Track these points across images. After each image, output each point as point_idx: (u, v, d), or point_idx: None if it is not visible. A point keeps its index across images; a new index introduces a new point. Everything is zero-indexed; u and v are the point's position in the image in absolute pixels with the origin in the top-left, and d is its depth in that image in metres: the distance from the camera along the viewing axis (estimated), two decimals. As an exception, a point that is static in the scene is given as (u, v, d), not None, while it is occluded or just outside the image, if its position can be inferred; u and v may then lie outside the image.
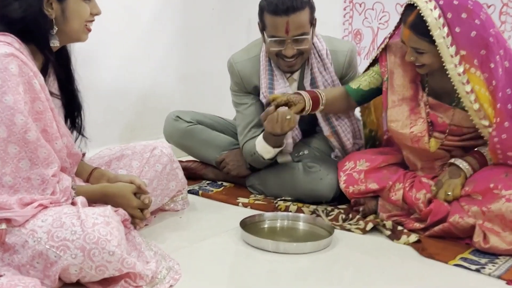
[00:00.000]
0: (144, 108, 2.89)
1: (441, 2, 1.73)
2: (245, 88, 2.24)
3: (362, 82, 2.06)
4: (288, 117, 1.90)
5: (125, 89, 2.78)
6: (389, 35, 1.98)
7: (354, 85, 2.08)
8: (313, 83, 2.17)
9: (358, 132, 2.26)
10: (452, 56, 1.72)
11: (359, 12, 2.87)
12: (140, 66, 2.84)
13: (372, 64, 2.08)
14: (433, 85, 1.92)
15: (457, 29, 1.72)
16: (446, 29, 1.71)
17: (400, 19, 1.86)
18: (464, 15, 1.72)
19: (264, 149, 2.12)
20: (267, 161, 2.17)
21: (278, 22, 1.96)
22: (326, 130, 2.19)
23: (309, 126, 2.29)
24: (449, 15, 1.72)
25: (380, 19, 2.82)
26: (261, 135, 2.11)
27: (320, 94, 2.02)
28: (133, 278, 1.41)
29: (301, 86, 2.20)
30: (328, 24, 2.42)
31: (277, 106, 1.92)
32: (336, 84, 2.18)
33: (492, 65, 1.72)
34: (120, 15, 2.66)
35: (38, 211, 1.42)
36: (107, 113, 2.69)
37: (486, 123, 1.78)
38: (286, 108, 1.92)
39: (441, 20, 1.71)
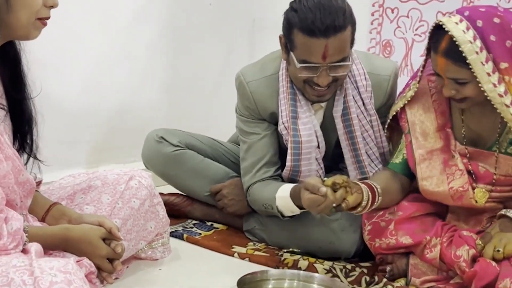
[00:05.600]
0: (118, 124, 2.86)
1: (466, 14, 1.77)
2: (259, 115, 2.18)
3: (403, 151, 2.03)
4: (334, 205, 1.77)
5: (95, 101, 2.76)
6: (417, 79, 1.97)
7: (396, 158, 2.05)
8: (346, 114, 2.11)
9: None
10: (489, 75, 1.74)
11: (390, 19, 2.88)
12: (115, 73, 2.83)
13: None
14: (472, 125, 1.93)
15: (492, 38, 1.75)
16: (478, 42, 1.74)
17: (428, 48, 1.86)
18: (496, 20, 1.76)
19: (287, 207, 2.05)
20: (286, 218, 2.11)
21: (314, 46, 1.90)
22: (353, 175, 2.12)
23: (332, 163, 2.22)
24: (479, 23, 1.75)
25: (417, 29, 2.83)
26: (287, 189, 2.03)
27: (373, 185, 1.92)
28: None
29: (329, 116, 2.14)
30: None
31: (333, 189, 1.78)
32: (373, 119, 2.12)
33: None
34: (91, 11, 2.65)
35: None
36: (71, 130, 2.66)
37: None
38: (340, 193, 1.78)
39: (478, 42, 1.74)
